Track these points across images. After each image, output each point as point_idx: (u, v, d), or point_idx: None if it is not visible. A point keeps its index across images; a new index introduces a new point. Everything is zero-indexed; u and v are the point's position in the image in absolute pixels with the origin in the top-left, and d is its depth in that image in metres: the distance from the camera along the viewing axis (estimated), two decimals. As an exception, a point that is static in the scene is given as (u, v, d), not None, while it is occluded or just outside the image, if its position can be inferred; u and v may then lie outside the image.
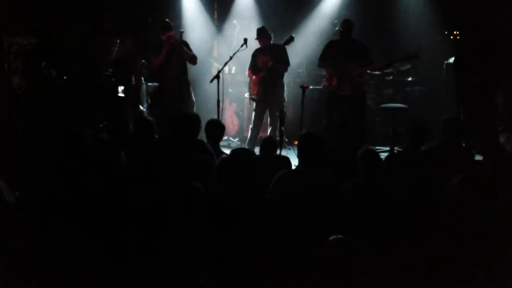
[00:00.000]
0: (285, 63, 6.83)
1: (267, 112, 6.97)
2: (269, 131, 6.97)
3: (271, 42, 6.85)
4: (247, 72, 7.05)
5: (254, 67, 6.91)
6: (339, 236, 2.46)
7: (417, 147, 4.52)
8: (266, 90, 6.75)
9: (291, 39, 6.65)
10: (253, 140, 6.90)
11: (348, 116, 6.49)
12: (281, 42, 6.73)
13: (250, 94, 7.02)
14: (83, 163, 3.56)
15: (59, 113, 6.24)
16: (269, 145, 4.67)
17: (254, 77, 6.88)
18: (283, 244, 2.88)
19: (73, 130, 3.87)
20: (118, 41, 6.47)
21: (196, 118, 4.78)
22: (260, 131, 7.00)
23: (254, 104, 6.99)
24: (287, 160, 4.60)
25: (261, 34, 6.80)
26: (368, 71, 7.22)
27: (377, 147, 6.93)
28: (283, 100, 6.85)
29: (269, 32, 6.86)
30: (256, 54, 6.91)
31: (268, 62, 6.66)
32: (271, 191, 3.69)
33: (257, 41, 6.90)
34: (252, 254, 2.80)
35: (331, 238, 2.46)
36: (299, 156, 3.97)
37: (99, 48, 6.52)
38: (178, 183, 2.95)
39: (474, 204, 3.11)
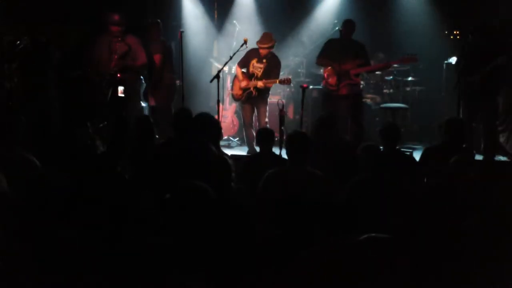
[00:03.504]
0: (270, 83, 6.75)
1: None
2: (257, 124, 6.93)
3: (271, 51, 6.76)
4: (235, 67, 7.01)
5: (243, 67, 6.86)
6: (372, 234, 2.43)
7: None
8: (250, 95, 6.77)
9: (287, 81, 6.62)
10: (250, 139, 6.91)
11: (345, 115, 6.53)
12: (292, 74, 6.77)
13: (233, 91, 7.01)
14: (81, 162, 3.56)
15: (58, 113, 6.25)
16: (264, 136, 4.65)
17: (240, 79, 6.83)
18: (274, 245, 2.88)
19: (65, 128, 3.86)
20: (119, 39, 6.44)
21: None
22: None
23: (239, 104, 7.03)
24: (284, 160, 4.59)
25: (265, 41, 6.63)
26: (366, 72, 7.22)
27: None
28: (267, 99, 6.90)
29: (274, 41, 6.73)
30: (251, 56, 6.78)
31: (258, 82, 6.64)
32: (261, 191, 3.69)
33: (256, 41, 6.84)
34: (243, 255, 2.80)
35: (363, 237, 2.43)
36: (287, 156, 3.96)
37: (102, 47, 6.50)
38: (185, 184, 2.93)
39: (476, 203, 3.11)
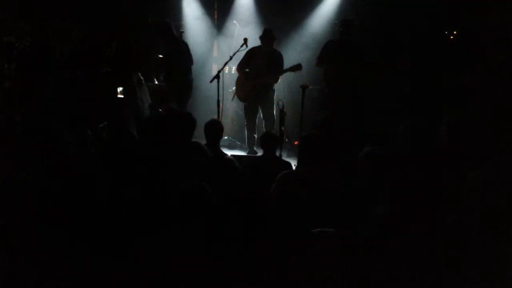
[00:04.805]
0: (278, 74, 6.82)
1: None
2: (264, 123, 6.97)
3: (272, 46, 6.81)
4: (236, 69, 7.02)
5: (245, 67, 6.86)
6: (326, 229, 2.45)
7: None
8: (256, 96, 6.77)
9: (298, 67, 6.64)
10: (252, 140, 6.93)
11: (346, 115, 6.54)
12: (288, 66, 6.72)
13: (237, 93, 7.01)
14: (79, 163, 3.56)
15: (56, 113, 6.24)
16: (269, 140, 4.66)
17: (244, 79, 6.82)
18: (285, 245, 2.88)
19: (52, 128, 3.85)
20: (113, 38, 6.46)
21: (189, 118, 4.69)
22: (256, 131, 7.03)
23: (243, 105, 7.00)
24: (288, 164, 4.60)
25: (267, 36, 6.71)
26: (366, 72, 7.20)
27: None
28: (274, 100, 6.88)
29: (275, 37, 6.81)
30: (252, 54, 6.81)
31: (266, 76, 6.66)
32: (273, 192, 3.69)
33: (255, 41, 6.86)
34: (253, 255, 2.80)
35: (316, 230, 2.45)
36: (301, 157, 3.94)
37: (97, 47, 6.51)
38: (187, 184, 2.93)
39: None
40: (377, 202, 3.18)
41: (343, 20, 6.67)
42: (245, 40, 6.55)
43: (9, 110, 6.05)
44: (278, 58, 6.78)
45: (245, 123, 7.11)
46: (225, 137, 7.74)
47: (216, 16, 8.80)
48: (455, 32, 7.55)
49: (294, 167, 4.52)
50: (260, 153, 6.17)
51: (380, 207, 3.00)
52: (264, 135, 4.80)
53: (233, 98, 7.44)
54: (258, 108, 6.96)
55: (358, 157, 3.78)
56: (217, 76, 6.32)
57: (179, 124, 4.49)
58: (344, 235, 2.53)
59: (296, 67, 6.67)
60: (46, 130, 3.77)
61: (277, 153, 5.21)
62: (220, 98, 6.52)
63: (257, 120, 7.08)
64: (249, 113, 6.96)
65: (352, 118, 6.60)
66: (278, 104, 6.11)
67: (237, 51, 6.62)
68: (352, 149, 6.49)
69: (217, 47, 8.89)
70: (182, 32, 6.81)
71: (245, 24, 8.37)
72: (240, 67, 6.89)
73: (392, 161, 4.59)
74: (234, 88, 7.33)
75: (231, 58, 6.55)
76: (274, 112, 6.87)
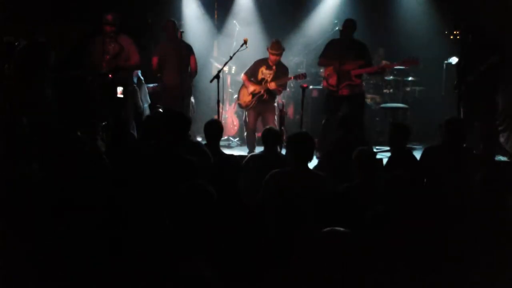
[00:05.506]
0: (284, 87, 6.94)
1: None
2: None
3: (280, 58, 6.80)
4: (242, 76, 7.03)
5: (252, 75, 6.88)
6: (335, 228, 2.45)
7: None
8: (259, 103, 6.78)
9: (302, 76, 6.70)
10: (252, 141, 6.92)
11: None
12: (292, 74, 6.80)
13: (240, 101, 7.02)
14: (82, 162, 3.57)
15: (54, 113, 6.24)
16: (271, 137, 4.66)
17: (249, 86, 6.86)
18: (275, 244, 2.88)
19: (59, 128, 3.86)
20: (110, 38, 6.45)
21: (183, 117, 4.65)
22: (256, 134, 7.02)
23: (246, 112, 7.02)
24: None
25: (276, 48, 6.69)
26: (367, 73, 7.21)
27: (377, 147, 6.95)
28: (275, 111, 6.91)
29: (284, 48, 6.81)
30: (259, 65, 6.83)
31: (270, 83, 6.68)
32: (263, 191, 3.69)
33: (256, 44, 6.85)
34: (253, 255, 2.80)
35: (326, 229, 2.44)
36: (291, 157, 3.92)
37: (96, 47, 6.51)
38: (187, 184, 2.93)
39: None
40: (374, 202, 3.18)
41: (345, 20, 6.66)
42: (245, 40, 6.54)
43: (9, 110, 6.04)
44: (283, 71, 6.81)
45: (246, 126, 7.08)
46: (224, 137, 7.74)
47: (216, 16, 8.81)
48: (455, 32, 7.55)
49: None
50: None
51: (379, 207, 3.01)
52: (266, 132, 4.79)
53: (235, 106, 7.43)
54: (260, 115, 6.95)
55: (353, 156, 3.77)
56: (217, 76, 6.32)
57: (172, 124, 4.47)
58: (344, 235, 2.53)
59: (301, 76, 6.70)
60: (46, 130, 3.77)
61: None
62: (220, 98, 6.52)
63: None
64: (250, 121, 6.95)
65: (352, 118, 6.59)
66: (278, 104, 6.11)
67: (237, 51, 6.61)
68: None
69: (217, 47, 8.89)
70: (182, 32, 6.80)
71: (245, 24, 8.38)
72: (247, 74, 6.90)
73: (391, 161, 4.62)
74: (235, 96, 7.34)
75: (231, 58, 6.55)
76: (276, 122, 6.86)
